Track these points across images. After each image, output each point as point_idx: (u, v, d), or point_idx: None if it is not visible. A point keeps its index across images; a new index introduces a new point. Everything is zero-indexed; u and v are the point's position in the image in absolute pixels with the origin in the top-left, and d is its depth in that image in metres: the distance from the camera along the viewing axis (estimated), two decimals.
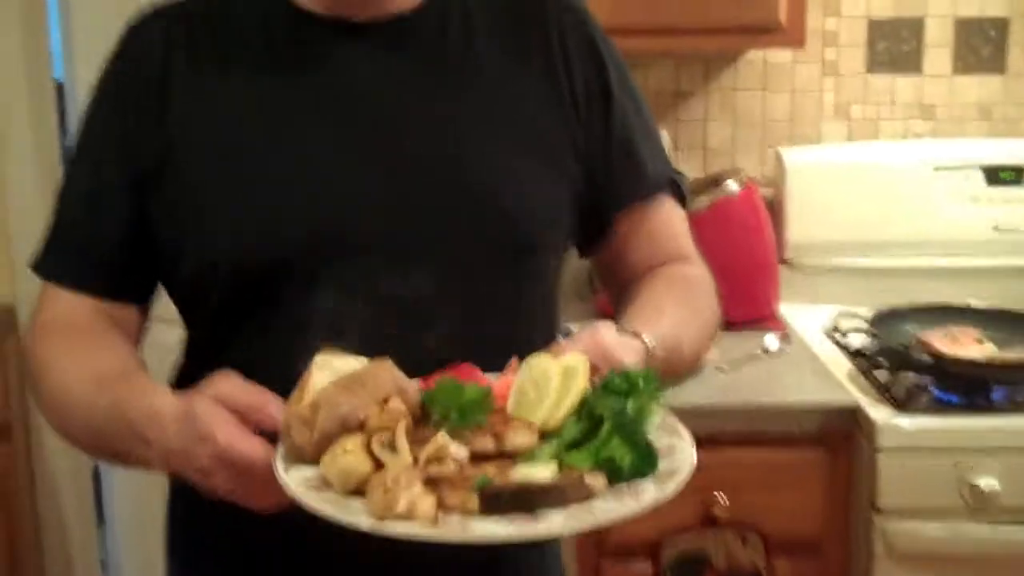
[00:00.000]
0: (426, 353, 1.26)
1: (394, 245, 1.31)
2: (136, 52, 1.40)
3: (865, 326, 2.28)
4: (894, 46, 2.77)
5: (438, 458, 1.01)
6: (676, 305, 1.40)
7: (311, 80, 1.36)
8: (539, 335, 1.44)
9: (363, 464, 1.03)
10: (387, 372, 1.09)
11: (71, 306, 1.39)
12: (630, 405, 1.09)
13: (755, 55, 2.76)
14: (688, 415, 2.01)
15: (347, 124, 1.35)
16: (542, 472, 1.02)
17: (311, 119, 1.34)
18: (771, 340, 2.36)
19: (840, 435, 2.09)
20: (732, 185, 2.51)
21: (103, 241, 1.39)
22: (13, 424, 2.85)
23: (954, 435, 2.03)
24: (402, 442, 1.03)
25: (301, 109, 1.35)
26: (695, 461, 1.08)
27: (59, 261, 1.42)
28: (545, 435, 1.07)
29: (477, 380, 1.13)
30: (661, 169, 1.50)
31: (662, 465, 1.06)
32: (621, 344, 1.23)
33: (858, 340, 2.32)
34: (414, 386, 1.10)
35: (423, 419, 1.09)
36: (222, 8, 1.41)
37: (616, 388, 1.10)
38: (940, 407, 2.06)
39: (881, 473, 2.02)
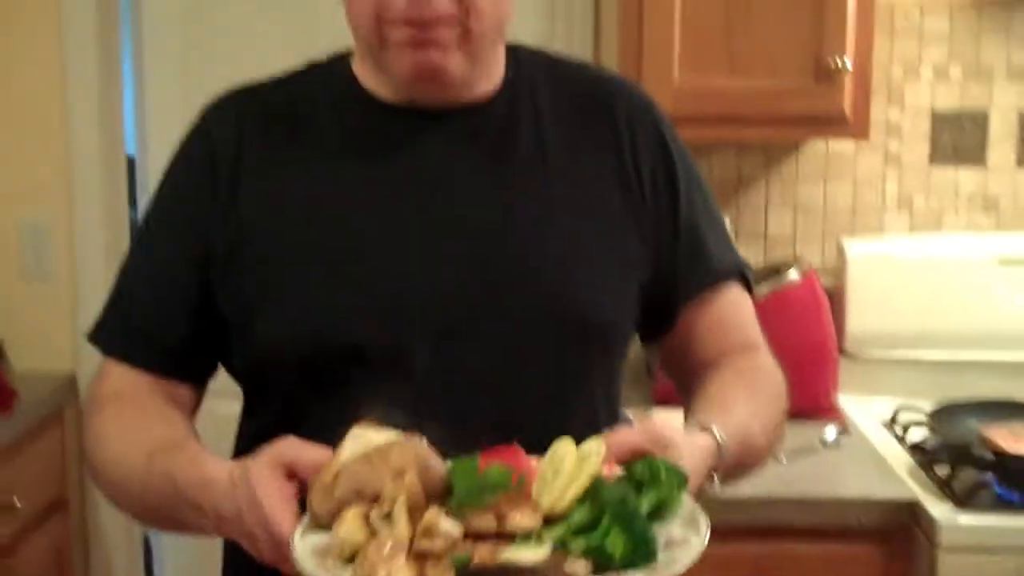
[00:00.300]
0: (488, 437, 1.25)
1: (462, 333, 1.33)
2: (210, 134, 1.42)
3: (925, 420, 2.26)
4: (958, 138, 2.76)
5: (428, 533, 1.02)
6: (747, 397, 1.39)
7: (383, 167, 1.38)
8: (602, 422, 1.45)
9: (357, 533, 1.05)
10: (411, 447, 1.10)
11: (128, 380, 1.41)
12: (648, 496, 1.09)
13: (818, 144, 2.76)
14: (745, 506, 2.03)
15: (418, 212, 1.36)
16: (529, 554, 1.03)
17: (383, 206, 1.36)
18: (830, 431, 2.35)
19: (899, 531, 2.07)
20: (793, 274, 2.51)
21: (164, 322, 1.41)
22: (71, 495, 2.88)
23: (1017, 534, 1.99)
24: (399, 515, 1.04)
25: (373, 196, 1.37)
26: (697, 558, 1.08)
27: (118, 337, 1.44)
28: (558, 518, 1.07)
29: (518, 461, 1.13)
30: (728, 258, 1.50)
31: (662, 558, 1.06)
32: (683, 438, 1.22)
33: (918, 434, 2.29)
34: (439, 463, 1.11)
35: (446, 496, 1.10)
36: (296, 93, 1.44)
37: (638, 476, 1.10)
38: (1002, 505, 2.03)
39: (941, 571, 1.98)
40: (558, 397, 1.37)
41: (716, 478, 1.27)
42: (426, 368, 1.32)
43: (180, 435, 1.33)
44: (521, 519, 1.05)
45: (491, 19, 1.33)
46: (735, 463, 1.30)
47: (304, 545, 1.07)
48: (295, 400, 1.36)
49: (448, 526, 1.03)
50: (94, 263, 2.88)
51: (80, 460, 2.87)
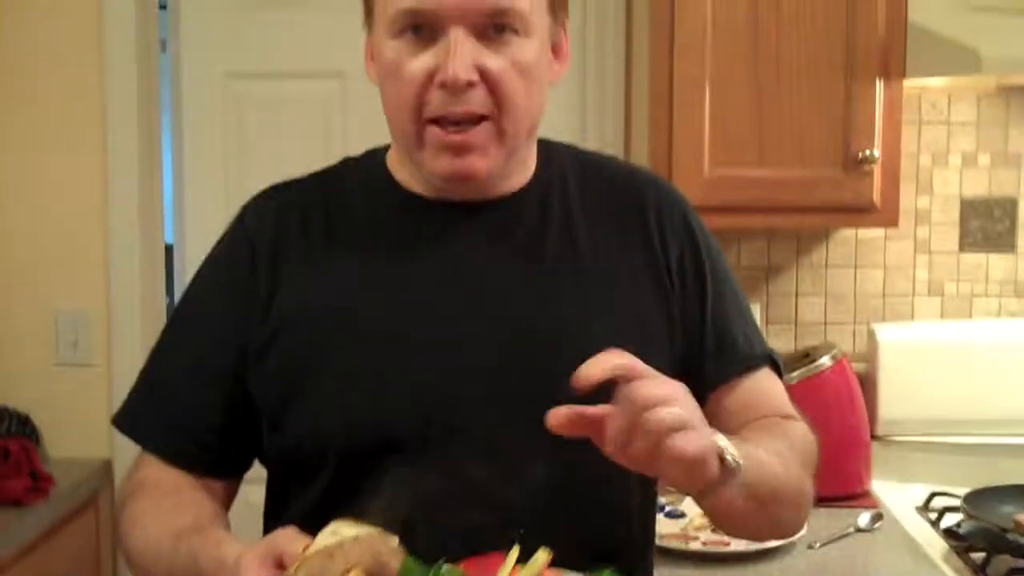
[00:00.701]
0: (520, 523, 1.29)
1: (496, 429, 1.34)
2: (249, 231, 1.46)
3: (960, 505, 2.24)
4: (987, 225, 2.78)
5: None
6: (770, 438, 1.38)
7: (416, 261, 1.41)
8: (635, 512, 1.46)
9: None
10: (372, 544, 1.12)
11: (162, 470, 1.44)
12: None
13: (848, 231, 2.79)
14: None
15: (451, 306, 1.39)
16: None
17: (415, 300, 1.39)
18: (863, 518, 2.33)
19: None
20: (825, 360, 2.51)
21: (201, 421, 1.43)
22: None
23: None
24: None
25: (408, 290, 1.40)
26: None
27: (155, 431, 1.46)
28: None
29: (488, 569, 1.14)
30: (757, 347, 1.52)
31: None
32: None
33: (953, 519, 2.28)
34: (396, 563, 1.13)
35: None
36: (334, 189, 1.48)
37: None
38: None
39: None
40: (591, 490, 1.38)
41: (732, 460, 1.24)
42: (461, 459, 1.33)
43: (208, 520, 1.35)
44: None
45: (524, 116, 1.37)
46: (752, 495, 1.28)
47: None
48: (328, 491, 1.38)
49: None
50: (131, 350, 2.91)
51: (114, 545, 2.90)
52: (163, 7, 3.04)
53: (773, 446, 1.37)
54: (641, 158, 2.69)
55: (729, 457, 1.23)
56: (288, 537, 1.17)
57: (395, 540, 1.14)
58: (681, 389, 1.18)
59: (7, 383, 2.93)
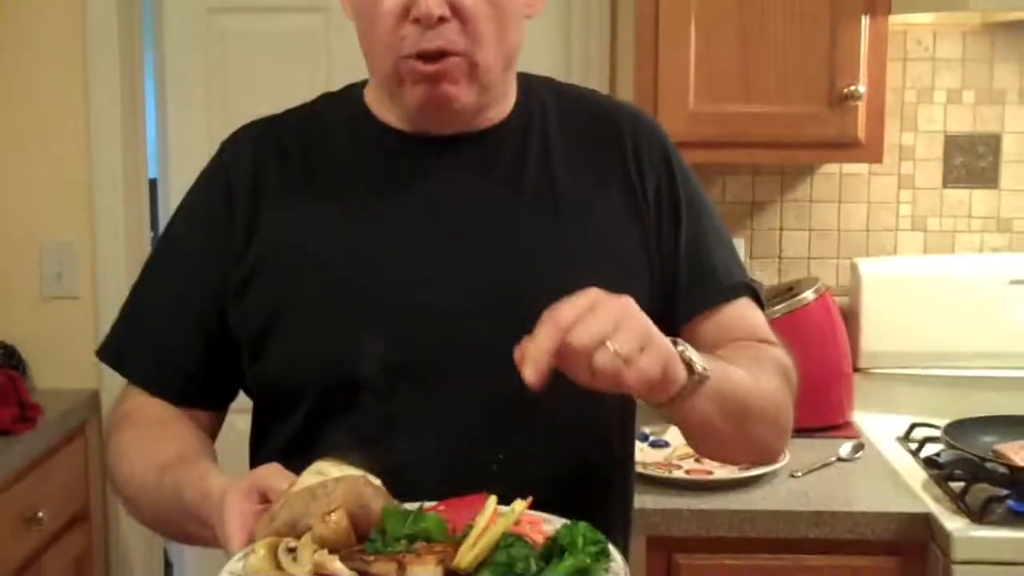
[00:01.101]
0: (497, 457, 1.35)
1: (472, 357, 1.36)
2: (228, 167, 1.47)
3: (940, 435, 2.28)
4: (971, 161, 2.80)
5: (317, 573, 1.06)
6: (743, 357, 1.40)
7: (395, 195, 1.42)
8: (615, 440, 1.49)
9: (262, 567, 1.08)
10: (355, 486, 1.13)
11: (146, 401, 1.46)
12: (566, 562, 1.07)
13: (832, 167, 2.80)
14: (760, 518, 2.05)
15: (430, 238, 1.40)
16: None
17: (396, 233, 1.40)
18: (845, 448, 2.37)
19: (914, 544, 2.08)
20: (808, 294, 2.54)
21: (185, 353, 1.45)
22: (93, 508, 2.91)
23: None
24: (303, 553, 1.08)
25: (387, 226, 1.41)
26: None
27: (139, 364, 1.48)
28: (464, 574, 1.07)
29: (471, 512, 1.13)
30: (736, 276, 1.52)
31: None
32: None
33: (933, 449, 2.31)
34: (378, 505, 1.13)
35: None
36: (312, 125, 1.48)
37: (559, 541, 1.09)
38: (1016, 519, 2.04)
39: None
40: (569, 418, 1.39)
41: (699, 367, 1.25)
42: (436, 391, 1.36)
43: (193, 452, 1.37)
44: (419, 570, 1.06)
45: (499, 51, 1.38)
46: (719, 406, 1.30)
47: (231, 568, 1.11)
48: (307, 423, 1.40)
49: (337, 567, 1.05)
50: (116, 283, 2.92)
51: (102, 474, 2.92)
52: None
53: (745, 362, 1.39)
54: (626, 93, 2.69)
55: (696, 365, 1.25)
56: (273, 473, 1.19)
57: (378, 482, 1.15)
58: (621, 304, 1.19)
59: None
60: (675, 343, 1.24)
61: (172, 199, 3.08)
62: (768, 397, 1.41)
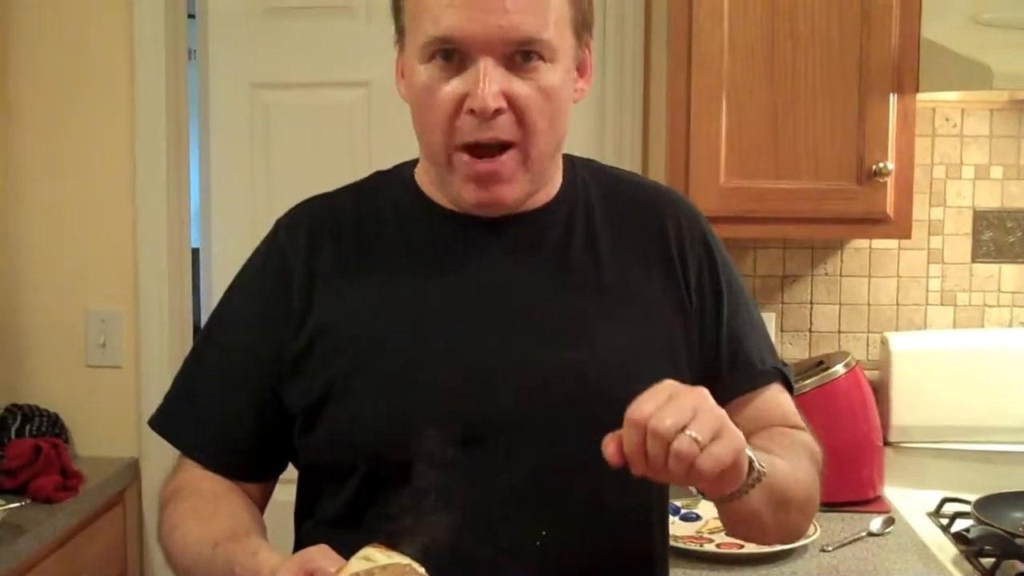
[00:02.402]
0: (544, 536, 1.38)
1: (521, 436, 1.40)
2: (283, 245, 1.52)
3: (970, 510, 2.29)
4: (999, 236, 2.83)
5: None
6: (779, 446, 1.44)
7: (445, 274, 1.46)
8: (654, 519, 1.52)
9: None
10: (400, 573, 1.16)
11: (200, 473, 1.52)
12: None
13: (862, 242, 2.83)
14: None
15: (479, 315, 1.44)
16: None
17: (446, 309, 1.45)
18: (875, 522, 2.38)
19: None
20: (838, 367, 2.56)
21: (235, 428, 1.50)
22: (130, 574, 2.94)
23: None
24: None
25: (437, 299, 1.45)
26: None
27: (194, 438, 1.53)
28: None
29: None
30: (768, 362, 1.57)
31: None
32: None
33: (963, 525, 2.32)
34: None
35: None
36: (365, 202, 1.53)
37: None
38: None
39: None
40: (612, 500, 1.42)
41: (758, 465, 1.30)
42: (487, 470, 1.39)
43: (245, 527, 1.41)
44: None
45: (550, 139, 1.42)
46: (767, 498, 1.33)
47: None
48: (356, 496, 1.44)
49: None
50: (158, 352, 2.98)
51: (139, 541, 2.97)
52: (192, 16, 3.10)
53: (782, 452, 1.42)
54: (658, 169, 2.75)
55: (756, 463, 1.29)
56: (322, 555, 1.22)
57: (423, 571, 1.18)
58: (698, 395, 1.23)
59: (38, 383, 3.00)
60: None
61: (214, 268, 3.16)
62: (804, 486, 1.45)
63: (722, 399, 1.49)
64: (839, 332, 2.87)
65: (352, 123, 3.05)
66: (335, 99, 3.07)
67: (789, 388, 1.60)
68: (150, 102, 2.95)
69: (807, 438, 1.53)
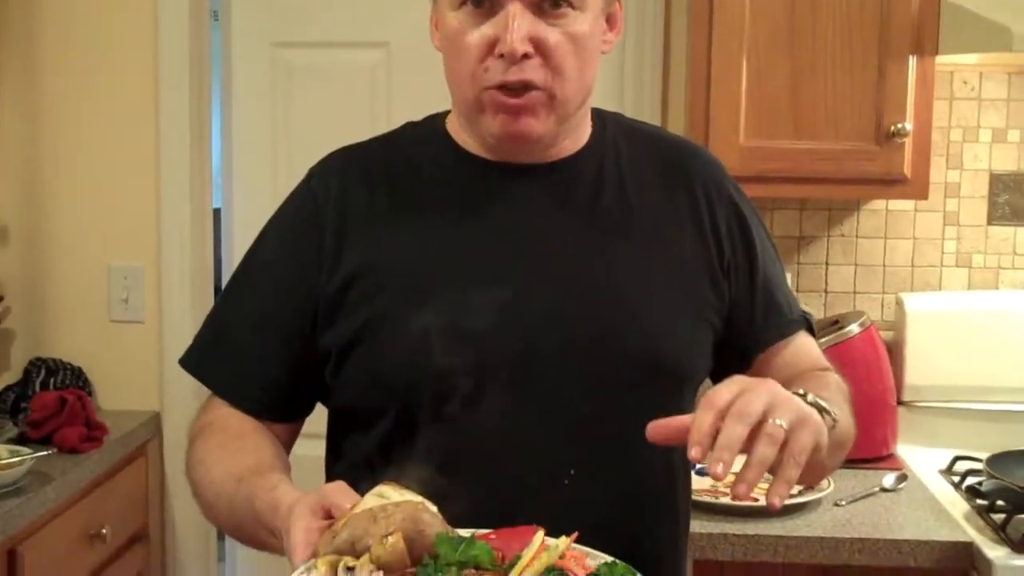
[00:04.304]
0: (559, 474, 1.41)
1: (547, 373, 1.43)
2: (316, 192, 1.54)
3: (983, 467, 2.32)
4: (1015, 199, 2.85)
5: None
6: (824, 389, 1.43)
7: (478, 217, 1.49)
8: (677, 465, 1.55)
9: None
10: (412, 511, 1.18)
11: (228, 412, 1.54)
12: None
13: (878, 203, 2.85)
14: (805, 545, 2.10)
15: (510, 258, 1.47)
16: None
17: (480, 257, 1.47)
18: (889, 478, 2.41)
19: (955, 573, 2.13)
20: (853, 327, 2.59)
21: (268, 371, 1.53)
22: (152, 526, 3.00)
23: None
24: (360, 573, 1.13)
25: (469, 242, 1.48)
26: None
27: (223, 376, 1.56)
28: None
29: (520, 542, 1.18)
30: (795, 310, 1.61)
31: None
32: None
33: (975, 481, 2.36)
34: (432, 531, 1.17)
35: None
36: (396, 151, 1.56)
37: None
38: None
39: None
40: (638, 447, 1.38)
41: (830, 417, 1.29)
42: (519, 403, 1.42)
43: (267, 463, 1.43)
44: None
45: (577, 86, 1.45)
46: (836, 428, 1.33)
47: None
48: (391, 432, 1.46)
49: None
50: (180, 308, 3.01)
51: (161, 494, 3.01)
52: None
53: (826, 395, 1.40)
54: (677, 126, 2.76)
55: (829, 411, 1.30)
56: (339, 491, 1.25)
57: (434, 509, 1.20)
58: (771, 384, 1.22)
59: (63, 338, 3.04)
60: (802, 395, 1.27)
61: (235, 228, 3.19)
62: (850, 425, 1.47)
63: (756, 349, 1.57)
64: (855, 293, 2.89)
65: (372, 83, 3.07)
66: (355, 59, 3.09)
67: (812, 333, 1.64)
68: (173, 63, 2.98)
69: (838, 379, 1.55)
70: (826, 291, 2.89)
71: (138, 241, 3.03)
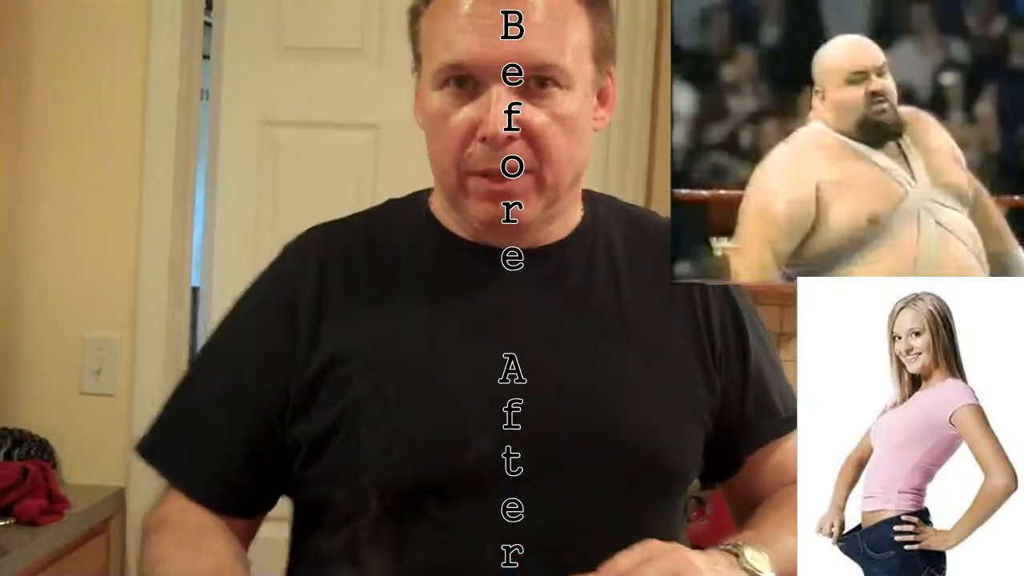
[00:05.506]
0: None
1: (535, 473, 1.34)
2: (292, 273, 1.45)
3: None
4: None
5: None
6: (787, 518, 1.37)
7: (461, 305, 1.41)
8: None
9: None
10: None
11: (186, 505, 1.44)
12: None
13: None
14: None
15: (498, 352, 1.38)
16: None
17: (464, 345, 1.39)
18: None
19: None
20: None
21: (227, 460, 1.43)
22: None
23: None
24: None
25: (453, 334, 1.40)
26: None
27: (183, 468, 1.45)
28: None
29: None
30: (790, 407, 1.53)
31: None
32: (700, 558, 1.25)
33: None
34: None
35: None
36: (376, 230, 1.48)
37: None
38: None
39: None
40: (627, 541, 1.32)
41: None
42: (498, 503, 1.33)
43: (228, 566, 1.35)
44: None
45: (567, 168, 1.38)
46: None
47: None
48: (358, 536, 1.35)
49: None
50: (153, 383, 2.96)
51: (122, 572, 2.93)
52: (206, 57, 3.15)
53: (785, 530, 1.35)
54: (663, 190, 2.75)
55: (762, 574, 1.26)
56: None
57: None
58: (680, 558, 1.22)
59: (32, 407, 2.99)
60: (735, 551, 1.25)
61: (212, 308, 3.17)
62: None
63: (747, 448, 1.50)
64: None
65: (360, 165, 3.08)
66: (343, 140, 3.10)
67: None
68: (161, 133, 2.97)
69: None
70: None
71: (114, 314, 3.00)
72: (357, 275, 1.44)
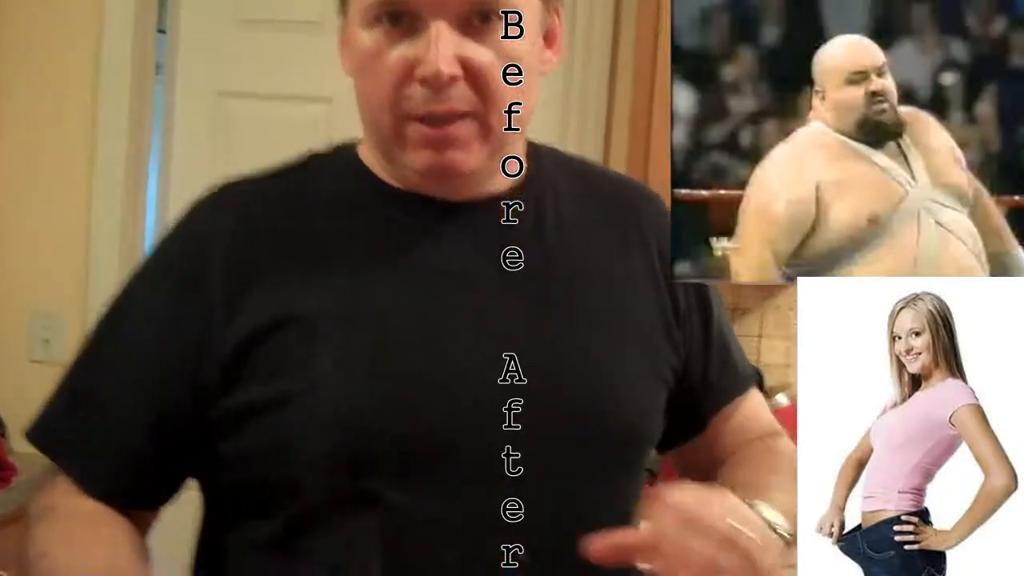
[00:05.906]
0: (515, 537, 1.23)
1: (489, 432, 1.24)
2: (204, 238, 1.30)
3: None
4: None
5: None
6: (768, 471, 1.37)
7: (402, 263, 1.29)
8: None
9: None
10: None
11: (82, 500, 1.29)
12: None
13: None
14: None
15: (442, 311, 1.27)
16: None
17: (407, 307, 1.27)
18: None
19: None
20: (782, 398, 2.61)
21: (127, 446, 1.28)
22: None
23: None
24: None
25: (395, 295, 1.27)
26: None
27: (70, 448, 1.32)
28: None
29: None
30: (748, 365, 1.52)
31: None
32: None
33: None
34: None
35: None
36: (303, 186, 1.35)
37: None
38: None
39: None
40: (589, 500, 1.29)
41: (785, 536, 1.21)
42: (456, 467, 1.23)
43: (125, 561, 1.23)
44: None
45: (512, 114, 1.26)
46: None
47: None
48: (292, 521, 1.24)
49: None
50: None
51: None
52: (162, 31, 3.12)
53: (781, 481, 1.33)
54: (621, 143, 2.77)
55: (783, 533, 1.21)
56: None
57: None
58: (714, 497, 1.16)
59: None
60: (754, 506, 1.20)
61: None
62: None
63: (715, 407, 1.45)
64: (787, 366, 2.91)
65: (314, 138, 2.99)
66: (298, 113, 3.08)
67: (761, 390, 1.58)
68: (114, 104, 2.97)
69: (791, 448, 1.43)
70: (759, 363, 2.91)
71: (64, 284, 2.99)
72: (284, 236, 1.29)
